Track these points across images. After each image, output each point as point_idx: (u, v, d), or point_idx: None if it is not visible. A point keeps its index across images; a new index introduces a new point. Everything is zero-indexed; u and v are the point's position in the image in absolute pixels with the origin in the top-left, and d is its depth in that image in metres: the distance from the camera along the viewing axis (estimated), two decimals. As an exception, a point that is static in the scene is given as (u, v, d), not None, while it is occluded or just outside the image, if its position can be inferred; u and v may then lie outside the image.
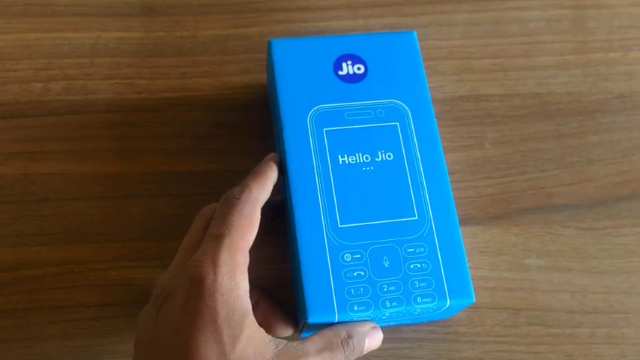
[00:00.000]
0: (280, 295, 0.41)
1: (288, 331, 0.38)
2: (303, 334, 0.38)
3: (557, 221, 0.44)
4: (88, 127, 0.44)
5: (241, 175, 0.44)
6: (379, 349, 0.40)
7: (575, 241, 0.43)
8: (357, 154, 0.38)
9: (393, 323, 0.39)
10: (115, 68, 0.46)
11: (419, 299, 0.35)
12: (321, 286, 0.35)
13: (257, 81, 0.47)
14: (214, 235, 0.33)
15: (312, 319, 0.35)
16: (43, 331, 0.39)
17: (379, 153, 0.38)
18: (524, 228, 0.43)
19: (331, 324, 0.35)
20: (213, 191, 0.43)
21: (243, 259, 0.33)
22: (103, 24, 0.48)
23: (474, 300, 0.36)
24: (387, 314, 0.36)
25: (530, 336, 0.41)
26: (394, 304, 0.35)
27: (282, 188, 0.39)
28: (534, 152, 0.46)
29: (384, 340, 0.40)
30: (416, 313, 0.36)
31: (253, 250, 0.34)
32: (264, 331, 0.33)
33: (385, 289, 0.36)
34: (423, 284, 0.36)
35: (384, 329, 0.40)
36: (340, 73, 0.40)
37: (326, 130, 0.39)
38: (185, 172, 0.44)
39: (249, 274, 0.33)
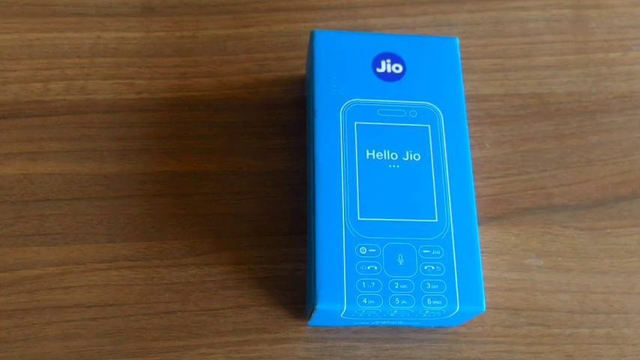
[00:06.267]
0: (280, 295, 0.41)
1: None
2: (311, 322, 0.39)
3: (557, 221, 0.44)
4: (87, 127, 0.44)
5: (241, 175, 0.44)
6: (379, 349, 0.40)
7: (575, 241, 0.43)
8: (384, 151, 0.39)
9: (400, 323, 0.39)
10: (115, 68, 0.46)
11: (429, 301, 0.36)
12: (333, 274, 0.36)
13: (257, 81, 0.47)
14: None
15: (321, 305, 0.35)
16: (43, 332, 0.39)
17: (407, 152, 0.39)
18: (524, 228, 0.43)
19: (338, 313, 0.36)
20: (213, 191, 0.43)
21: None
22: (103, 24, 0.48)
23: (484, 309, 0.36)
24: (396, 311, 0.36)
25: (530, 336, 0.41)
26: (403, 302, 0.35)
27: (307, 175, 0.40)
28: (534, 152, 0.46)
29: (385, 341, 0.40)
30: (424, 315, 0.36)
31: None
32: None
33: (396, 287, 0.36)
34: (434, 286, 0.36)
35: (385, 328, 0.40)
36: (378, 70, 0.41)
37: (357, 124, 0.39)
38: (185, 172, 0.44)
39: None
